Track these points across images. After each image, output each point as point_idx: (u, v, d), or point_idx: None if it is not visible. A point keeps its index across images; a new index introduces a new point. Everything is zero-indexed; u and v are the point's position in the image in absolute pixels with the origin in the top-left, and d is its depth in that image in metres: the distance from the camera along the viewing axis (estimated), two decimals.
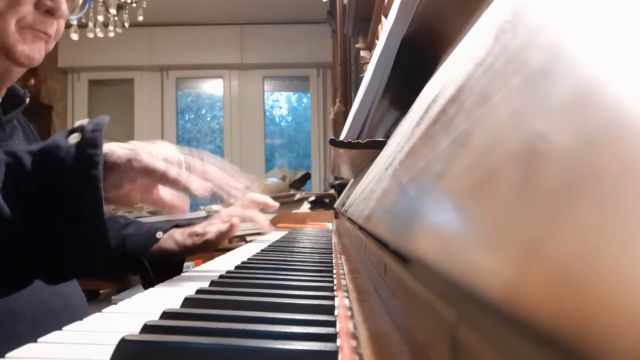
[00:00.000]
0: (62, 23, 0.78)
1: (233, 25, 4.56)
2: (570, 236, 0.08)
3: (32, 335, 0.35)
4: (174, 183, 0.64)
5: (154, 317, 0.37)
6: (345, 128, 0.87)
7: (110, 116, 0.69)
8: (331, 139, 0.81)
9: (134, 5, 2.82)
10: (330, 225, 1.87)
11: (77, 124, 0.62)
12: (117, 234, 0.93)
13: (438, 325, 0.16)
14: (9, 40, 0.71)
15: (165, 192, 0.74)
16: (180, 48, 4.57)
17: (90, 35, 2.71)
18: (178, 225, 0.97)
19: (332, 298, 0.44)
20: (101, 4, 2.66)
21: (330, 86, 4.18)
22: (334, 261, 0.71)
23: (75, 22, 2.42)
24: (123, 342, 0.30)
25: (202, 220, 1.08)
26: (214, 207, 2.42)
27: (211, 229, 0.94)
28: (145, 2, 2.85)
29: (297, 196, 2.62)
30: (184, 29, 4.57)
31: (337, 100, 2.68)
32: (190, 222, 0.96)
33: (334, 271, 0.62)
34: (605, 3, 0.10)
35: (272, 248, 0.96)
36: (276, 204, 1.14)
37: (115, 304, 0.48)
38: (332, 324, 0.35)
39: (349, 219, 0.70)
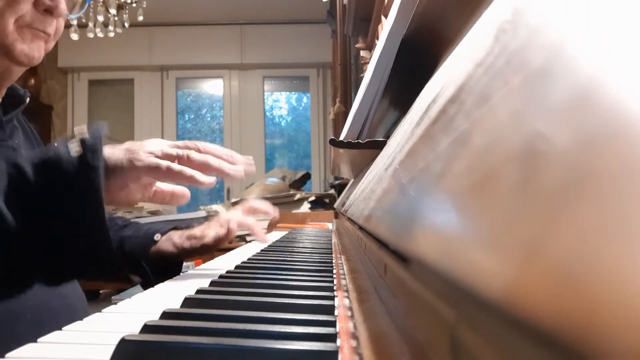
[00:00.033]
0: (62, 22, 0.78)
1: (233, 25, 4.56)
2: (570, 236, 0.08)
3: (32, 335, 0.35)
4: (177, 176, 0.64)
5: (154, 317, 0.37)
6: (345, 128, 0.87)
7: (107, 122, 0.70)
8: (331, 139, 0.81)
9: (134, 5, 2.82)
10: (330, 225, 1.87)
11: (76, 130, 0.63)
12: (116, 235, 0.93)
13: (438, 325, 0.16)
14: (8, 39, 0.71)
15: (163, 185, 0.74)
16: (180, 48, 4.57)
17: (90, 35, 2.71)
18: (176, 227, 0.97)
19: (332, 298, 0.44)
20: (101, 4, 2.66)
21: (330, 86, 4.18)
22: (334, 261, 0.71)
23: (75, 22, 2.42)
24: (123, 342, 0.30)
25: (202, 220, 1.08)
26: (214, 207, 2.43)
27: (209, 232, 0.94)
28: (145, 2, 2.85)
29: (297, 196, 2.62)
30: (184, 29, 4.57)
31: (337, 100, 2.68)
32: (189, 224, 0.96)
33: (334, 271, 0.62)
34: (605, 3, 0.10)
35: (272, 248, 0.96)
36: (275, 214, 1.15)
37: (115, 304, 0.48)
38: (332, 324, 0.35)
39: (349, 219, 0.70)
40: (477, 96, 0.16)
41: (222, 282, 0.55)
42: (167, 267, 0.90)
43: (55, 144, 0.62)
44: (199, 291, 0.48)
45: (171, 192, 0.75)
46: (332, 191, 2.68)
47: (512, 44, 0.15)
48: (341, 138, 0.81)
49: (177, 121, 4.77)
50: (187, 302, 0.43)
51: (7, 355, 0.31)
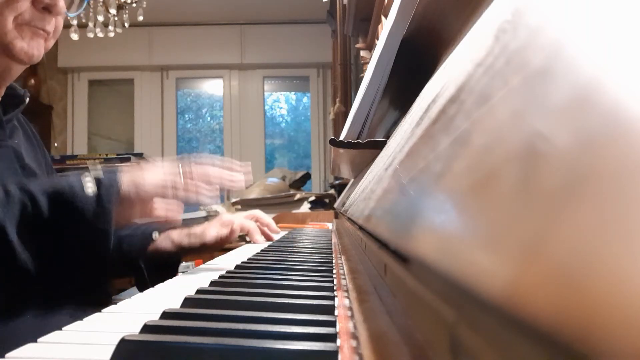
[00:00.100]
0: (61, 20, 0.78)
1: (233, 25, 4.55)
2: (570, 236, 0.08)
3: (32, 335, 0.35)
4: (181, 197, 0.67)
5: (154, 317, 0.37)
6: (345, 128, 0.87)
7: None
8: (331, 139, 0.81)
9: (134, 5, 2.82)
10: (330, 225, 1.87)
11: (91, 168, 0.66)
12: (114, 234, 0.93)
13: (438, 325, 0.16)
14: (7, 37, 0.72)
15: (158, 203, 0.76)
16: (180, 48, 4.56)
17: (90, 35, 2.71)
18: (175, 227, 0.98)
19: (332, 298, 0.44)
20: (101, 4, 2.66)
21: (330, 86, 4.17)
22: (334, 261, 0.71)
23: (75, 22, 2.42)
24: (123, 342, 0.30)
25: (201, 220, 1.08)
26: (214, 207, 2.42)
27: (210, 231, 0.95)
28: (145, 2, 2.85)
29: (297, 196, 2.62)
30: (184, 29, 4.56)
31: (337, 100, 2.68)
32: (188, 224, 0.97)
33: (334, 271, 0.62)
34: (605, 3, 0.10)
35: (272, 248, 0.96)
36: (276, 232, 1.18)
37: (115, 304, 0.48)
38: (332, 324, 0.35)
39: (349, 219, 0.70)
40: (477, 96, 0.16)
41: (222, 282, 0.55)
42: (164, 267, 0.90)
43: (69, 177, 0.64)
44: (199, 291, 0.48)
45: (165, 213, 0.78)
46: (332, 191, 2.68)
47: (512, 44, 0.15)
48: (341, 138, 0.81)
49: (177, 121, 4.77)
50: (187, 302, 0.43)
51: (7, 355, 0.31)
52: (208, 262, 0.89)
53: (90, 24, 2.63)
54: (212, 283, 0.54)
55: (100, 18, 2.63)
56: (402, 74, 0.69)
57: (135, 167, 0.71)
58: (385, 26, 0.73)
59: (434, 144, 0.21)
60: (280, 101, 4.97)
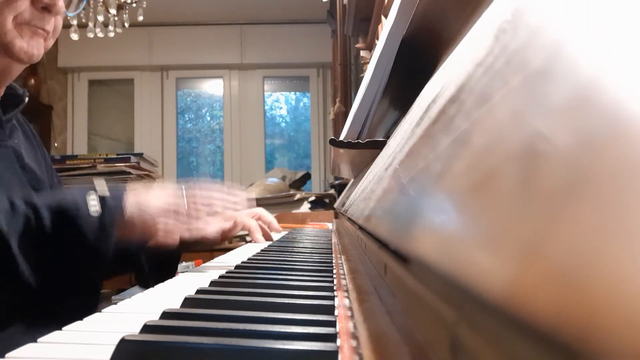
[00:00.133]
0: (60, 20, 0.78)
1: (233, 25, 4.55)
2: (570, 236, 0.08)
3: (32, 335, 0.35)
4: (184, 222, 0.69)
5: (154, 317, 0.37)
6: (345, 128, 0.87)
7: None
8: (331, 139, 0.81)
9: (134, 5, 2.82)
10: (330, 225, 1.87)
11: (97, 184, 0.66)
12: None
13: (438, 325, 0.16)
14: (7, 36, 0.72)
15: (160, 225, 0.77)
16: (180, 48, 4.56)
17: (90, 35, 2.71)
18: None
19: (332, 298, 0.44)
20: (101, 4, 2.66)
21: (330, 86, 4.17)
22: (334, 261, 0.71)
23: (75, 22, 2.42)
24: (123, 342, 0.30)
25: None
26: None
27: (212, 225, 0.95)
28: (145, 2, 2.85)
29: (297, 196, 2.62)
30: (184, 29, 4.56)
31: (337, 100, 2.68)
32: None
33: (334, 271, 0.62)
34: (605, 3, 0.10)
35: (272, 248, 0.96)
36: (278, 231, 1.19)
37: (115, 304, 0.48)
38: (332, 324, 0.35)
39: (349, 219, 0.70)
40: (477, 96, 0.16)
41: (222, 282, 0.55)
42: (164, 260, 0.90)
43: (74, 193, 0.65)
44: (199, 291, 0.48)
45: (163, 234, 0.79)
46: (332, 191, 2.68)
47: (512, 44, 0.15)
48: (341, 138, 0.81)
49: (177, 121, 4.77)
50: (187, 302, 0.43)
51: (7, 355, 0.31)
52: (208, 262, 0.89)
53: (90, 24, 2.63)
54: (212, 283, 0.54)
55: (100, 18, 2.63)
56: (402, 74, 0.69)
57: (140, 188, 0.72)
58: (385, 26, 0.73)
59: (434, 144, 0.21)
60: (280, 101, 4.96)
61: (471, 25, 0.35)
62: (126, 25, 2.80)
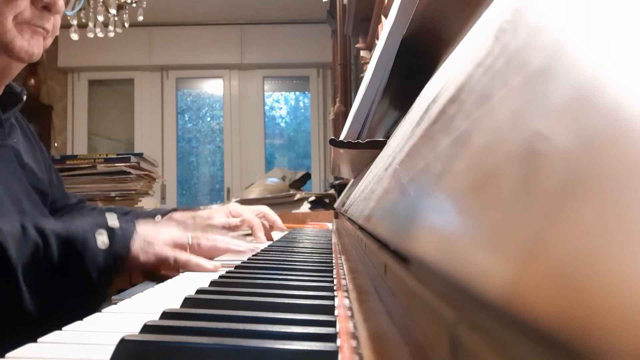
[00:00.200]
0: (59, 18, 0.79)
1: (233, 25, 4.55)
2: (571, 236, 0.08)
3: (32, 335, 0.35)
4: (183, 267, 0.69)
5: (154, 317, 0.37)
6: (345, 128, 0.87)
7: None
8: (331, 139, 0.81)
9: (134, 5, 2.82)
10: (330, 225, 1.87)
11: (109, 218, 0.67)
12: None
13: (438, 325, 0.16)
14: (8, 35, 0.72)
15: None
16: (180, 48, 4.57)
17: (90, 35, 2.71)
18: (177, 209, 1.01)
19: (332, 298, 0.44)
20: (101, 4, 2.65)
21: (330, 86, 4.18)
22: (334, 261, 0.71)
23: (75, 22, 2.42)
24: (123, 342, 0.30)
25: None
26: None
27: (217, 217, 0.96)
28: (145, 2, 2.85)
29: (297, 196, 2.61)
30: (184, 29, 4.57)
31: (337, 100, 2.68)
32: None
33: (334, 271, 0.62)
34: (605, 3, 0.10)
35: (272, 248, 0.96)
36: (282, 230, 1.20)
37: (115, 304, 0.48)
38: (332, 324, 0.35)
39: (349, 219, 0.70)
40: (477, 96, 0.16)
41: (222, 282, 0.55)
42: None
43: (84, 222, 0.66)
44: (199, 291, 0.48)
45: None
46: (332, 191, 2.68)
47: (512, 44, 0.15)
48: (341, 138, 0.81)
49: (177, 121, 4.77)
50: (187, 302, 0.43)
51: (7, 355, 0.31)
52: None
53: (90, 24, 2.63)
54: (212, 283, 0.54)
55: (100, 18, 2.62)
56: (402, 74, 0.70)
57: (149, 223, 0.73)
58: (385, 26, 0.73)
59: (434, 144, 0.21)
60: (280, 101, 4.97)
61: (471, 25, 0.35)
62: (126, 25, 2.80)
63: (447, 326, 0.15)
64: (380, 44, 0.71)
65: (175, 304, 0.42)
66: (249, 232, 1.07)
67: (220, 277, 0.58)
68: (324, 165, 4.54)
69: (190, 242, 0.73)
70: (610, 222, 0.07)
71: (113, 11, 2.67)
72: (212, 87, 4.85)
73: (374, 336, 0.30)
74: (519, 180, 0.11)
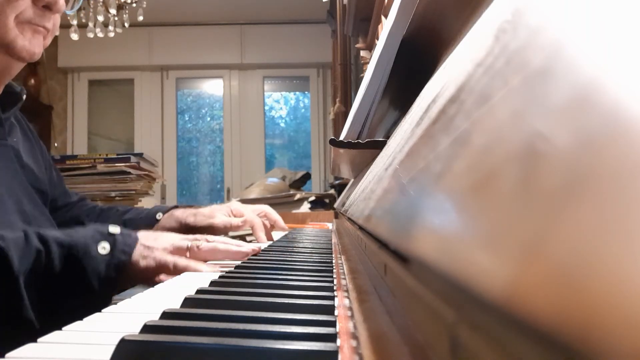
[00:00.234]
0: (58, 17, 0.79)
1: (233, 25, 4.55)
2: (571, 236, 0.08)
3: (32, 335, 0.35)
4: (183, 271, 0.69)
5: (154, 317, 0.37)
6: (345, 128, 0.87)
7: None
8: (331, 139, 0.81)
9: (134, 5, 2.82)
10: (330, 225, 1.87)
11: (112, 229, 0.67)
12: (118, 220, 0.94)
13: (438, 325, 0.16)
14: (9, 35, 0.72)
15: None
16: (180, 48, 4.57)
17: (90, 35, 2.71)
18: (178, 206, 1.01)
19: (332, 298, 0.44)
20: (101, 4, 2.65)
21: (330, 86, 4.18)
22: (334, 261, 0.71)
23: (75, 22, 2.42)
24: (123, 342, 0.30)
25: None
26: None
27: (219, 215, 0.96)
28: (145, 2, 2.85)
29: (297, 196, 2.61)
30: (184, 29, 4.57)
31: (337, 100, 2.68)
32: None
33: (334, 271, 0.62)
34: (605, 3, 0.10)
35: (272, 248, 0.96)
36: (284, 230, 1.19)
37: (115, 304, 0.48)
38: (332, 324, 0.35)
39: (349, 219, 0.70)
40: (477, 96, 0.16)
41: (222, 282, 0.55)
42: None
43: (86, 230, 0.66)
44: (199, 291, 0.48)
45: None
46: (332, 191, 2.68)
47: (512, 44, 0.15)
48: (341, 138, 0.81)
49: (177, 121, 4.77)
50: (187, 302, 0.43)
51: (7, 355, 0.31)
52: (208, 262, 0.89)
53: (90, 24, 2.63)
54: (212, 283, 0.54)
55: (100, 18, 2.62)
56: (402, 74, 0.70)
57: (149, 234, 0.73)
58: (385, 26, 0.73)
59: (434, 144, 0.21)
60: (280, 101, 4.97)
61: (471, 25, 0.35)
62: (126, 25, 2.80)
63: (447, 326, 0.15)
64: (380, 44, 0.71)
65: (175, 304, 0.42)
66: (250, 231, 1.07)
67: (220, 277, 0.58)
68: (324, 165, 4.54)
69: (189, 246, 0.73)
70: (610, 222, 0.07)
71: (113, 11, 2.67)
72: (212, 87, 4.85)
73: (374, 336, 0.30)
74: (519, 180, 0.11)
